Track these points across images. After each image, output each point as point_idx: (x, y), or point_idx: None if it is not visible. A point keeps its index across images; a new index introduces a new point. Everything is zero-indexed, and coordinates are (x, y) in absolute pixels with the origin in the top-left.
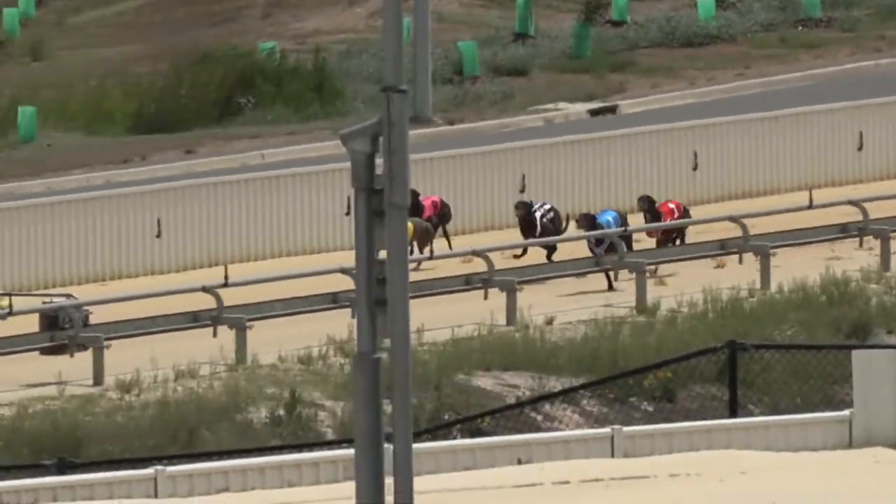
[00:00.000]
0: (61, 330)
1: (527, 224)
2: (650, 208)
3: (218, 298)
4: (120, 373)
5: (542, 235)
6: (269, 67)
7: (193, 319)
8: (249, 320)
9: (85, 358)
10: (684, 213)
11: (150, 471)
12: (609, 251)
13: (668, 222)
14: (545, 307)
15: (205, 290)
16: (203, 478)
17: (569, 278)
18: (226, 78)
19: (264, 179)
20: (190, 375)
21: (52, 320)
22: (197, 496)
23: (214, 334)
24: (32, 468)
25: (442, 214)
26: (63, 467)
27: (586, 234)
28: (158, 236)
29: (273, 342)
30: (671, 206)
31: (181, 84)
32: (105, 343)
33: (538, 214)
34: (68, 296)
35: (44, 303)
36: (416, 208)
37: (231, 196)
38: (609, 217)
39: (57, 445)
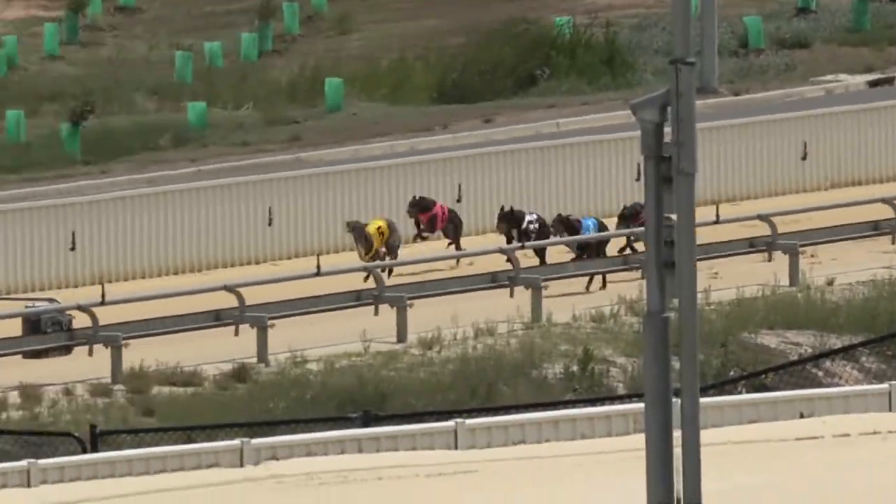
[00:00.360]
0: (64, 331)
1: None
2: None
3: (515, 262)
4: (422, 331)
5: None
6: (563, 41)
7: (492, 280)
8: (544, 280)
9: (389, 315)
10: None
11: (450, 423)
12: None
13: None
14: (829, 269)
15: (502, 251)
16: (500, 430)
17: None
18: (522, 51)
19: (558, 147)
20: (488, 333)
21: (34, 324)
22: (495, 447)
23: (511, 294)
24: (339, 421)
25: (452, 221)
26: (368, 420)
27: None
28: (459, 201)
29: (567, 302)
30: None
31: (481, 57)
32: (408, 302)
33: (526, 224)
34: (51, 300)
35: (26, 307)
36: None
37: (527, 162)
38: (589, 223)
39: (362, 399)
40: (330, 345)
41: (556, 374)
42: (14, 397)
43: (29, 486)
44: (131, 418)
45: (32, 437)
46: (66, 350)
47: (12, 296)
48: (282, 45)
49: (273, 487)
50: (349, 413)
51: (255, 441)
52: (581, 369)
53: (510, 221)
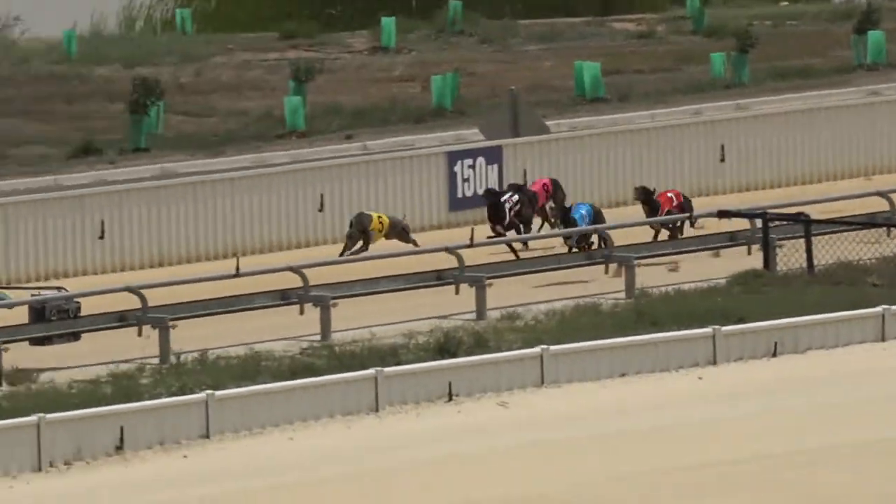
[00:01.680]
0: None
1: (495, 213)
2: (647, 199)
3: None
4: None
5: (508, 227)
6: None
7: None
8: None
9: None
10: (685, 202)
11: None
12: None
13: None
14: None
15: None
16: None
17: None
18: None
19: None
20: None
21: (38, 313)
22: None
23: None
24: None
25: (554, 197)
26: None
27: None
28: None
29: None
30: (669, 195)
31: None
32: None
33: (507, 206)
34: (59, 289)
35: (32, 295)
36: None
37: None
38: (583, 211)
39: None
40: None
41: None
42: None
43: None
44: None
45: None
46: (74, 336)
47: (22, 285)
48: None
49: None
50: None
51: None
52: None
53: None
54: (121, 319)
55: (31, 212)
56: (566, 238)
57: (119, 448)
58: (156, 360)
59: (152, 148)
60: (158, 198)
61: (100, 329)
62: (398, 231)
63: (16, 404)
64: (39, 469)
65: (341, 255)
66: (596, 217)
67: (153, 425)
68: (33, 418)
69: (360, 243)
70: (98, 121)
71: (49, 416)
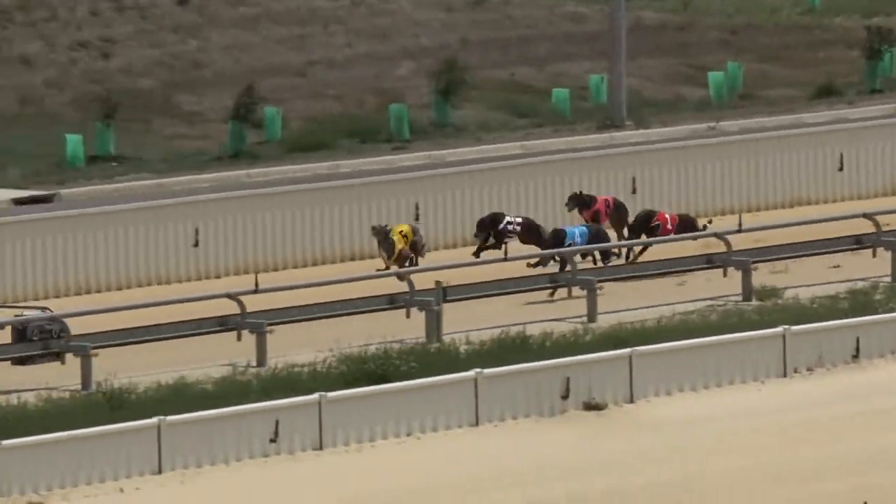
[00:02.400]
0: (32, 342)
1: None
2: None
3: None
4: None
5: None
6: None
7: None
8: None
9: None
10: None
11: None
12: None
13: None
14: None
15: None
16: None
17: None
18: None
19: None
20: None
21: (20, 333)
22: None
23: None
24: None
25: (618, 215)
26: None
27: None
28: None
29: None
30: (667, 216)
31: None
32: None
33: (508, 227)
34: (44, 309)
35: (16, 315)
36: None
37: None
38: (577, 231)
39: None
40: None
41: None
42: None
43: None
44: None
45: None
46: (57, 356)
47: (9, 304)
48: None
49: None
50: None
51: None
52: None
53: (488, 227)
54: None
55: (776, 147)
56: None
57: (855, 357)
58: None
59: (885, 90)
60: None
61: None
62: (414, 245)
63: (763, 317)
64: (784, 375)
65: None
66: (595, 237)
67: (887, 336)
68: (779, 329)
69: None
70: (837, 65)
71: (792, 328)
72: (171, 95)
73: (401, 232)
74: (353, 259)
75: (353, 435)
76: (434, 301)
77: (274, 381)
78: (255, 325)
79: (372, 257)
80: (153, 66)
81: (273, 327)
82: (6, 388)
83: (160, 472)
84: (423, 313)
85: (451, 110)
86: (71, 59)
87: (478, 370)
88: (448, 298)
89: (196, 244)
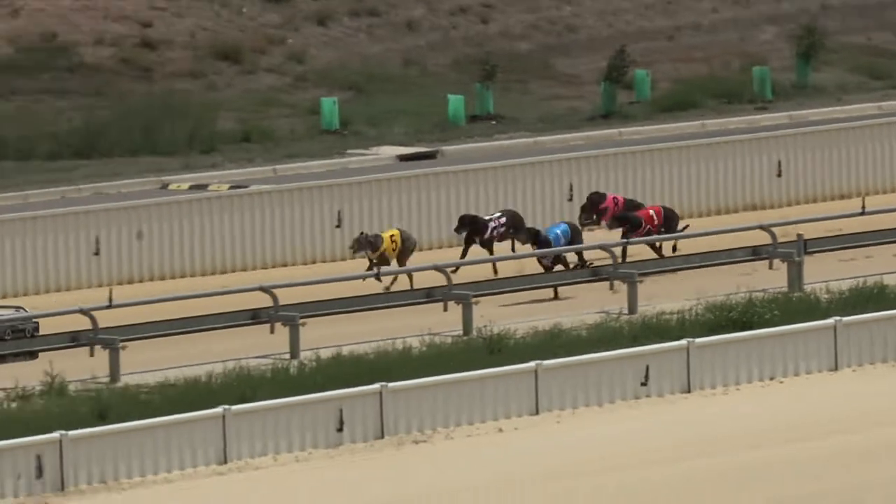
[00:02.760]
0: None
1: (475, 232)
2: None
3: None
4: None
5: (487, 244)
6: None
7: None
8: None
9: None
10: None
11: None
12: (556, 263)
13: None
14: None
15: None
16: None
17: None
18: None
19: None
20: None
21: None
22: None
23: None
24: None
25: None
26: None
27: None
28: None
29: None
30: (651, 212)
31: None
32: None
33: (492, 225)
34: (17, 308)
35: None
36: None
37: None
38: (558, 231)
39: None
40: None
41: None
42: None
43: None
44: None
45: None
46: (31, 355)
47: None
48: None
49: None
50: None
51: None
52: None
53: (472, 227)
54: None
55: None
56: (540, 258)
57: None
58: None
59: None
60: None
61: None
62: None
63: None
64: None
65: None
66: (573, 237)
67: None
68: None
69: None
70: None
71: None
72: (547, 58)
73: (391, 236)
74: (718, 213)
75: (720, 378)
76: (795, 253)
77: (644, 328)
78: (627, 275)
79: (735, 211)
80: (530, 29)
81: (644, 278)
82: (392, 334)
83: (537, 412)
84: (786, 264)
85: (811, 73)
86: (452, 23)
87: (837, 318)
88: (809, 251)
89: (570, 199)
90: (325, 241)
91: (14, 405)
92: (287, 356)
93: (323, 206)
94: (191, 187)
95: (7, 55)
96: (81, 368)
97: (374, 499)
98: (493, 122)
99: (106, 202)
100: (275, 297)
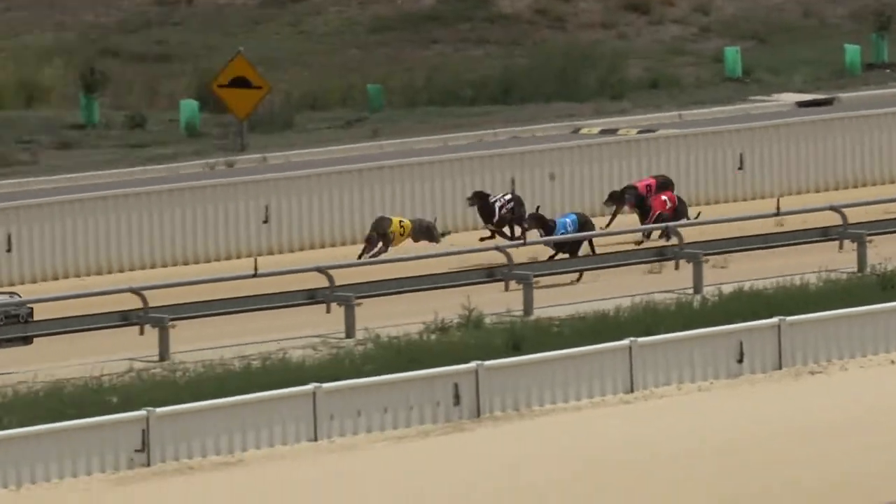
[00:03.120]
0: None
1: (485, 213)
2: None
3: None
4: None
5: (499, 224)
6: None
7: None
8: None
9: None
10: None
11: None
12: (569, 251)
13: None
14: None
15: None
16: None
17: None
18: None
19: None
20: None
21: None
22: None
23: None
24: None
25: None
26: None
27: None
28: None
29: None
30: (663, 198)
31: None
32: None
33: (497, 205)
34: (11, 293)
35: None
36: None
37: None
38: (567, 220)
39: None
40: None
41: None
42: None
43: None
44: None
45: None
46: (25, 341)
47: None
48: None
49: None
50: None
51: None
52: None
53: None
54: None
55: None
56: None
57: None
58: None
59: None
60: None
61: None
62: (424, 232)
63: None
64: None
65: (359, 257)
66: (583, 226)
67: None
68: None
69: (381, 245)
70: None
71: None
72: None
73: (399, 222)
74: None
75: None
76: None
77: None
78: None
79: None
80: None
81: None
82: (791, 271)
83: None
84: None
85: None
86: None
87: None
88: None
89: None
90: (727, 184)
91: (433, 337)
92: (690, 291)
93: (725, 149)
94: (601, 131)
95: (430, 6)
96: (497, 302)
97: (773, 428)
98: (888, 71)
99: (521, 146)
100: (680, 237)
